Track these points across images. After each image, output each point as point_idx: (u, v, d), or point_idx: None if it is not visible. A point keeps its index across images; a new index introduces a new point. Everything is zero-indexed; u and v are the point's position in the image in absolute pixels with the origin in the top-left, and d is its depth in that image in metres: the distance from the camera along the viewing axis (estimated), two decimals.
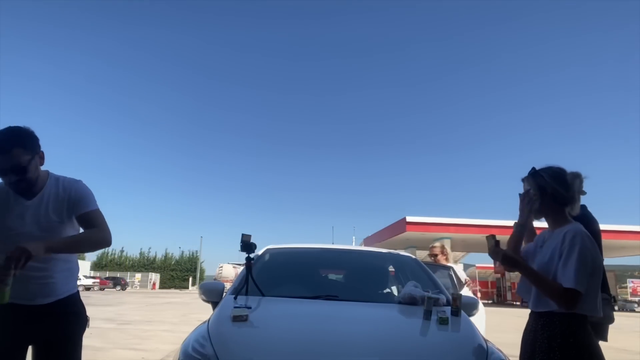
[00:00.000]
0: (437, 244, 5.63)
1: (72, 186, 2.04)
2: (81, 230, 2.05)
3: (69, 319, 2.04)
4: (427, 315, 2.29)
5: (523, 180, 2.02)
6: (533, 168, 1.99)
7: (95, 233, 2.01)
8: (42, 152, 1.99)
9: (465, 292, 4.75)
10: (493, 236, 2.00)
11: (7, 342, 1.88)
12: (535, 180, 1.95)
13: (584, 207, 2.18)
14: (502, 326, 11.44)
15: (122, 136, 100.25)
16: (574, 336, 1.74)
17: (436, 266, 5.05)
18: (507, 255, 1.91)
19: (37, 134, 1.97)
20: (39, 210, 1.95)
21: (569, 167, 1.96)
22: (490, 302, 37.20)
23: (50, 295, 1.99)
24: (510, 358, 2.10)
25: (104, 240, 2.02)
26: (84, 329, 2.10)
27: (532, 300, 1.91)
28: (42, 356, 1.96)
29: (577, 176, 1.91)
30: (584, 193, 1.93)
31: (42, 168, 2.03)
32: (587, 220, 2.12)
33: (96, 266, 58.57)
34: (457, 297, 2.45)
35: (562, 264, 1.76)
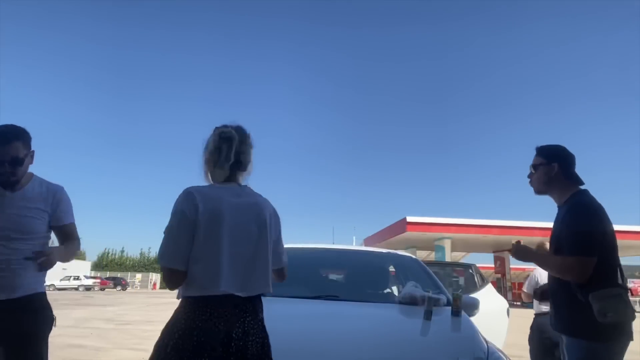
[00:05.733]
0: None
1: (58, 192, 2.11)
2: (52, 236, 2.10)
3: (32, 316, 1.99)
4: (428, 315, 2.29)
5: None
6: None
7: (76, 246, 2.12)
8: (33, 152, 2.05)
9: (489, 290, 4.66)
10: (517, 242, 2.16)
11: None
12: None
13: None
14: None
15: (121, 136, 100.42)
16: None
17: (453, 264, 4.97)
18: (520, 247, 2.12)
19: (33, 131, 2.03)
20: (19, 204, 1.98)
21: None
22: None
23: (11, 290, 1.94)
24: (510, 358, 2.10)
25: (77, 254, 2.17)
26: (50, 329, 2.07)
27: None
28: (4, 355, 1.89)
29: None
30: (575, 187, 2.09)
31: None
32: None
33: (97, 266, 58.64)
34: (458, 297, 2.45)
35: None
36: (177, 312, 1.46)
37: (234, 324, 1.43)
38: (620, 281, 1.87)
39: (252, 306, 1.51)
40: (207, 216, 1.46)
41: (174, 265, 1.45)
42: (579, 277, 1.84)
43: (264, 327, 1.55)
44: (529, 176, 2.19)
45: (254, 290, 1.53)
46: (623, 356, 1.84)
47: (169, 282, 1.48)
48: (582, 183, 2.09)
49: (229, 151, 1.58)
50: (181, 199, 1.49)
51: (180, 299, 1.50)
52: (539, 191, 2.17)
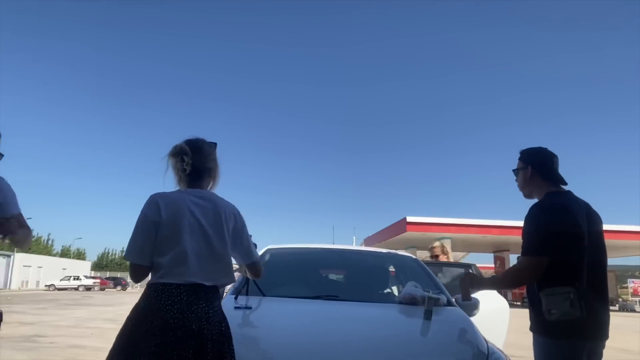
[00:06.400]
0: (437, 243, 5.43)
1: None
2: None
3: None
4: (428, 315, 2.29)
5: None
6: None
7: (30, 234, 2.09)
8: None
9: (489, 290, 4.63)
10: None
11: None
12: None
13: (587, 204, 2.14)
14: None
15: (122, 137, 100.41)
16: None
17: (454, 264, 4.97)
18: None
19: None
20: None
21: (571, 171, 2.07)
22: None
23: None
24: (510, 358, 2.10)
25: (30, 242, 2.15)
26: None
27: None
28: None
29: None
30: (557, 187, 2.08)
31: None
32: (592, 218, 2.07)
33: (97, 266, 58.67)
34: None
35: None
36: (140, 297, 1.62)
37: (189, 308, 1.55)
38: (579, 281, 1.85)
39: (205, 294, 1.61)
40: (169, 216, 1.65)
41: (138, 261, 1.64)
42: (530, 277, 1.90)
43: (221, 313, 1.66)
44: (516, 180, 2.24)
45: (210, 280, 1.64)
46: (579, 357, 1.84)
47: (135, 276, 1.69)
48: (562, 183, 2.11)
49: (182, 163, 1.74)
50: (146, 204, 1.68)
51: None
52: (523, 194, 2.21)
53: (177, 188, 1.80)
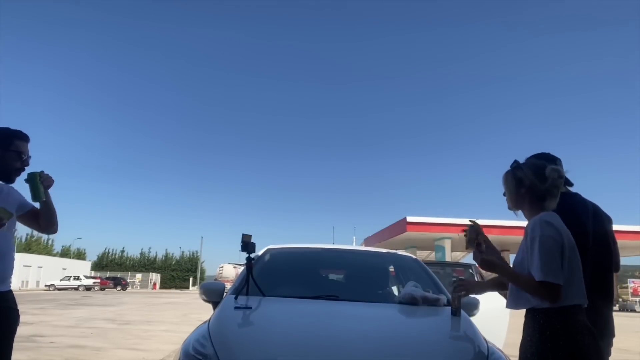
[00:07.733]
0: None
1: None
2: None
3: (12, 312, 2.08)
4: (428, 315, 2.29)
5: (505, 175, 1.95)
6: (515, 161, 1.92)
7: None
8: None
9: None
10: (473, 225, 2.05)
11: None
12: (515, 173, 1.88)
13: (595, 205, 2.20)
14: None
15: (122, 137, 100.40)
16: (552, 329, 1.64)
17: (454, 264, 4.99)
18: (485, 259, 1.94)
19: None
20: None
21: (566, 164, 2.06)
22: None
23: (7, 281, 2.04)
24: (510, 358, 2.10)
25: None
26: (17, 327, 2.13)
27: (510, 299, 1.84)
28: None
29: (554, 170, 1.80)
30: (563, 188, 1.85)
31: None
32: (598, 219, 2.13)
33: (97, 266, 58.64)
34: (457, 298, 2.45)
35: (530, 257, 1.71)
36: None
37: None
38: None
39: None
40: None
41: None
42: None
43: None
44: None
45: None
46: None
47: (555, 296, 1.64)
48: (567, 185, 2.19)
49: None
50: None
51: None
52: None
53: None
